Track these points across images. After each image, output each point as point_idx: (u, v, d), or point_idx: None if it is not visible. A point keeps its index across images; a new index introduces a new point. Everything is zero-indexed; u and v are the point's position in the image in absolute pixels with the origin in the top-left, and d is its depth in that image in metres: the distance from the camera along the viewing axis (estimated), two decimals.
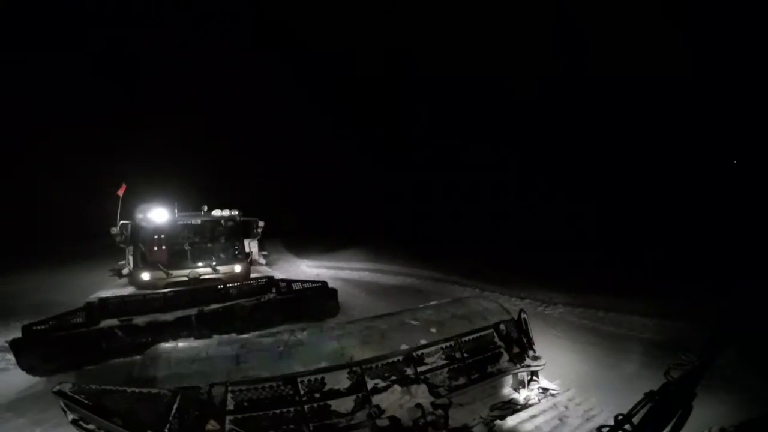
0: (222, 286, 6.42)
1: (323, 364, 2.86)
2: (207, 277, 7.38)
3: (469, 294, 8.38)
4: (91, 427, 2.96)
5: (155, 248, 7.46)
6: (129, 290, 7.25)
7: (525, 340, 3.47)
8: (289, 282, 6.68)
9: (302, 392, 2.76)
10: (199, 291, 6.21)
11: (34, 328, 4.96)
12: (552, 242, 12.57)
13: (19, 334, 4.98)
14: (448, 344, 3.20)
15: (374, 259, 13.94)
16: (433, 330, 3.26)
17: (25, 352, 4.79)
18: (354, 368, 2.90)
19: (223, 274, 7.51)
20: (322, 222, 20.61)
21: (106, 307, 5.62)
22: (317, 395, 2.78)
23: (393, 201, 23.51)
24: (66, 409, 3.03)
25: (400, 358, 3.04)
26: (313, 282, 6.69)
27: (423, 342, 3.14)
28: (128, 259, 8.68)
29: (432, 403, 2.79)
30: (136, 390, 2.84)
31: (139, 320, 5.38)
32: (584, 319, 6.66)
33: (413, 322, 3.37)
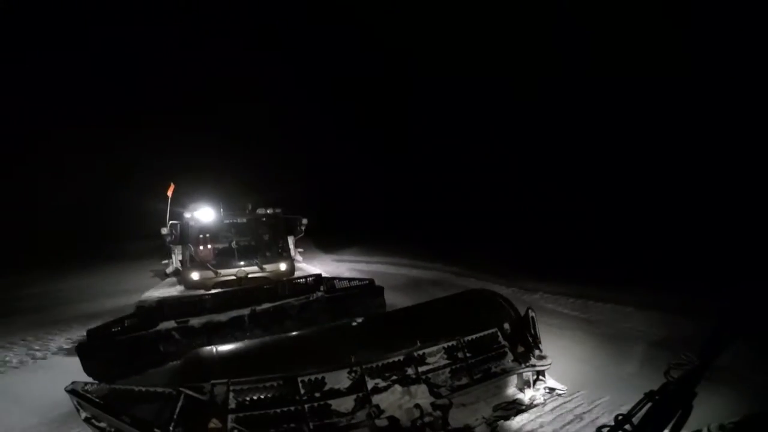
0: (271, 284, 6.46)
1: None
2: (254, 275, 7.47)
3: (475, 286, 8.40)
4: (102, 425, 3.06)
5: (204, 248, 7.62)
6: (177, 290, 7.47)
7: (531, 339, 3.40)
8: (335, 279, 6.63)
9: (302, 391, 2.78)
10: (250, 290, 6.23)
11: (97, 332, 4.94)
12: (554, 242, 12.55)
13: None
14: (450, 344, 3.17)
15: (388, 254, 14.28)
16: (435, 329, 3.24)
17: (90, 357, 4.71)
18: (354, 368, 2.90)
19: (269, 272, 7.58)
20: (336, 219, 20.94)
21: (162, 309, 5.65)
22: (317, 394, 2.80)
23: (395, 200, 23.89)
24: (78, 407, 3.14)
25: (401, 357, 3.03)
26: (360, 280, 6.64)
27: (424, 342, 3.13)
28: (172, 259, 8.96)
29: (432, 404, 2.77)
30: (144, 389, 2.93)
31: (195, 321, 5.38)
32: (575, 310, 6.88)
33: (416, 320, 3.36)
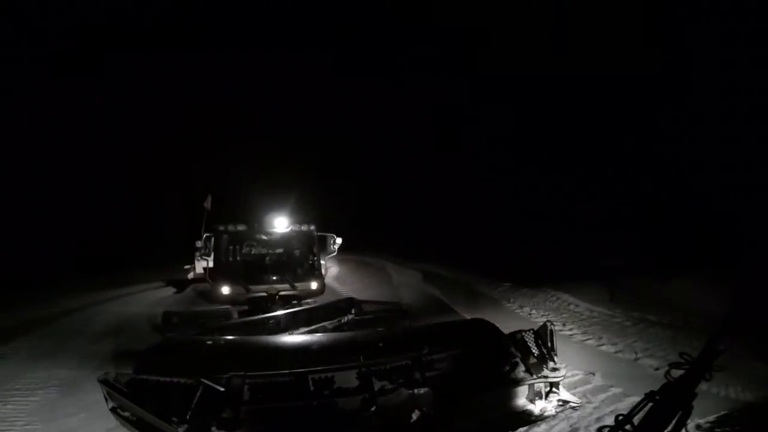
0: (306, 307, 6.49)
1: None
2: (285, 293, 7.37)
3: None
4: (126, 414, 3.29)
5: (236, 261, 7.67)
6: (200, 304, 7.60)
7: (545, 350, 3.40)
8: (365, 302, 6.68)
9: (312, 388, 2.91)
10: (286, 315, 6.08)
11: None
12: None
13: None
14: (459, 351, 3.22)
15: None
16: (445, 339, 3.31)
17: None
18: (362, 369, 3.01)
19: (300, 290, 7.48)
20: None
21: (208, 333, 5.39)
22: (326, 392, 2.91)
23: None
24: (108, 397, 3.40)
25: (409, 362, 3.11)
26: (390, 303, 6.84)
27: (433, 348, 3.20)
28: (195, 265, 9.23)
29: (436, 409, 2.83)
30: (166, 379, 3.13)
31: None
32: None
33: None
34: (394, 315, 6.60)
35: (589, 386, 4.04)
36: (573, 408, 3.04)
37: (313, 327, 5.76)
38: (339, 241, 8.29)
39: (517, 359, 3.30)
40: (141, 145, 28.66)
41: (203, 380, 2.96)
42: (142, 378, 3.06)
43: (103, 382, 3.41)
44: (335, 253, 8.44)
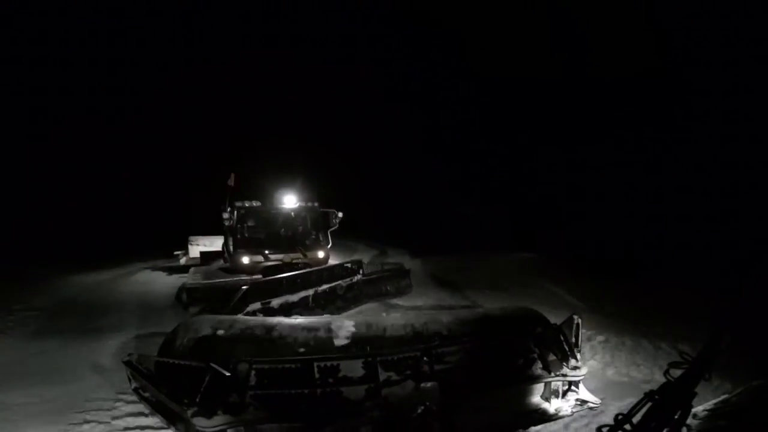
0: (323, 267, 7.49)
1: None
2: (296, 261, 8.32)
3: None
4: (147, 395, 3.56)
5: (253, 234, 8.63)
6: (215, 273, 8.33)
7: (567, 347, 3.25)
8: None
9: (317, 376, 2.99)
10: (311, 272, 7.12)
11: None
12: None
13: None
14: (470, 344, 3.16)
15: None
16: (459, 329, 3.26)
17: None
18: (368, 359, 3.04)
19: (309, 258, 8.47)
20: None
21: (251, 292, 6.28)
22: (331, 380, 2.98)
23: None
24: (131, 378, 3.69)
25: (418, 353, 3.10)
26: (391, 264, 8.10)
27: (444, 340, 3.17)
28: (189, 249, 11.01)
29: (442, 403, 2.80)
30: (180, 362, 3.34)
31: (275, 302, 6.27)
32: None
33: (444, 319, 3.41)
34: (396, 274, 8.15)
35: None
36: (591, 408, 2.88)
37: (333, 284, 6.96)
38: (340, 215, 9.14)
39: (535, 355, 3.18)
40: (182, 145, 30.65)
41: (211, 364, 3.13)
42: (162, 360, 3.29)
43: (127, 363, 3.70)
44: (337, 226, 9.32)
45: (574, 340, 3.36)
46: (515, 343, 3.24)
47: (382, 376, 3.00)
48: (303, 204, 9.06)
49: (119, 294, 9.65)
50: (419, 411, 2.70)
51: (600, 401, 2.94)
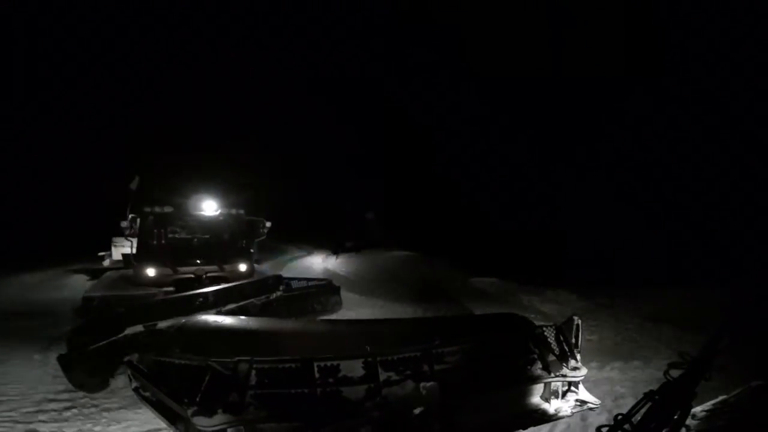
0: (234, 284, 6.69)
1: None
2: (212, 274, 7.62)
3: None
4: (147, 394, 3.59)
5: (162, 243, 7.84)
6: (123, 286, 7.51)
7: (567, 347, 3.30)
8: (294, 279, 7.32)
9: (317, 375, 3.02)
10: (215, 291, 6.30)
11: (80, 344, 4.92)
12: None
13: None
14: (470, 345, 3.20)
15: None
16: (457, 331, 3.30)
17: (72, 369, 4.75)
18: (369, 359, 3.08)
19: (228, 272, 7.78)
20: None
21: (129, 312, 5.58)
22: (331, 380, 3.02)
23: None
24: (131, 378, 3.72)
25: (418, 353, 3.14)
26: (318, 280, 7.39)
27: (444, 340, 3.20)
28: (112, 251, 10.17)
29: (443, 403, 2.84)
30: (181, 362, 3.38)
31: (163, 325, 5.37)
32: None
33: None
34: (323, 290, 7.27)
35: None
36: (591, 409, 2.93)
37: (242, 303, 6.08)
38: (269, 224, 8.51)
39: (535, 355, 3.23)
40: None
41: (211, 363, 3.17)
42: (162, 360, 3.32)
43: (128, 363, 3.73)
44: (264, 237, 8.70)
45: (574, 340, 3.41)
46: (515, 343, 3.28)
47: (382, 376, 3.04)
48: (225, 211, 8.24)
49: (35, 301, 9.30)
50: (419, 411, 2.74)
51: (600, 402, 2.98)
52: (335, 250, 17.18)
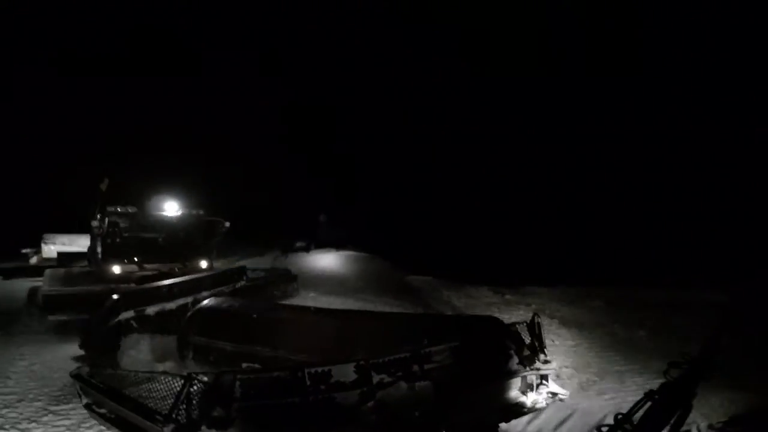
0: (201, 275, 7.57)
1: None
2: (174, 272, 8.17)
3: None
4: (102, 410, 3.23)
5: (126, 242, 8.26)
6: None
7: (537, 343, 3.61)
8: (257, 270, 8.36)
9: (309, 383, 2.96)
10: (193, 280, 7.20)
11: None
12: None
13: None
14: (456, 344, 3.36)
15: None
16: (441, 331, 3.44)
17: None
18: (361, 362, 3.09)
19: (189, 269, 8.45)
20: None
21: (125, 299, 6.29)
22: (323, 387, 2.98)
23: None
24: (81, 393, 3.32)
25: (408, 354, 3.22)
26: (280, 269, 8.79)
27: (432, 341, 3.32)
28: (42, 248, 10.67)
29: (435, 401, 2.97)
30: (148, 373, 3.10)
31: (150, 310, 6.25)
32: None
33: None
34: (282, 280, 8.63)
35: None
36: (561, 400, 3.27)
37: (213, 291, 6.89)
38: (227, 224, 9.18)
39: (512, 351, 3.49)
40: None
41: (193, 374, 2.95)
42: (121, 372, 3.01)
43: (76, 377, 3.32)
44: (223, 236, 9.45)
45: (539, 337, 3.74)
46: (495, 341, 3.51)
47: (375, 379, 3.07)
48: (186, 211, 8.85)
49: None
50: (421, 411, 2.84)
51: (568, 393, 3.34)
52: (284, 249, 18.07)
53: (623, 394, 4.25)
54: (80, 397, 3.24)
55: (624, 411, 2.14)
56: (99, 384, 3.20)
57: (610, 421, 2.18)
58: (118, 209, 8.05)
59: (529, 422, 3.05)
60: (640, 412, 2.11)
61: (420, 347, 3.26)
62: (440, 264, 13.75)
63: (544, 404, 3.24)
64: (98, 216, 8.09)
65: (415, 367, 3.19)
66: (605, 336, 6.72)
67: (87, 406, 3.29)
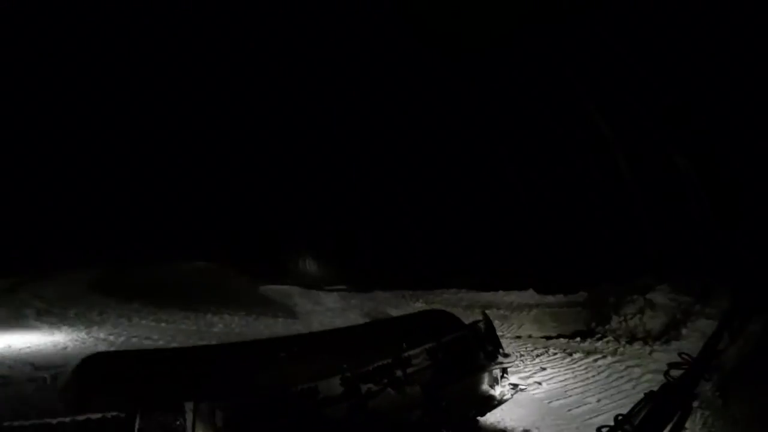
0: None
1: None
2: None
3: None
4: None
5: None
6: None
7: (495, 338, 3.87)
8: None
9: (295, 404, 2.69)
10: None
11: None
12: None
13: None
14: (431, 345, 3.40)
15: None
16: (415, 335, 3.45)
17: None
18: (347, 374, 2.91)
19: None
20: None
21: None
22: (311, 404, 2.73)
23: None
24: None
25: (389, 360, 3.14)
26: None
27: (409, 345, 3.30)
28: None
29: (424, 403, 2.99)
30: (67, 419, 2.36)
31: None
32: None
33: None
34: None
35: None
36: (521, 390, 3.61)
37: None
38: None
39: (478, 347, 3.68)
40: None
41: (137, 411, 2.39)
42: (47, 423, 2.27)
43: None
44: None
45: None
46: (464, 339, 3.66)
47: (363, 389, 2.94)
48: None
49: None
50: (413, 415, 2.82)
51: (526, 385, 3.69)
52: None
53: None
54: None
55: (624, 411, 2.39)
56: None
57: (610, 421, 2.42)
58: None
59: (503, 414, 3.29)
60: (641, 414, 2.38)
61: (400, 351, 3.22)
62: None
63: (509, 396, 3.53)
64: None
65: (398, 372, 3.15)
66: None
67: None
